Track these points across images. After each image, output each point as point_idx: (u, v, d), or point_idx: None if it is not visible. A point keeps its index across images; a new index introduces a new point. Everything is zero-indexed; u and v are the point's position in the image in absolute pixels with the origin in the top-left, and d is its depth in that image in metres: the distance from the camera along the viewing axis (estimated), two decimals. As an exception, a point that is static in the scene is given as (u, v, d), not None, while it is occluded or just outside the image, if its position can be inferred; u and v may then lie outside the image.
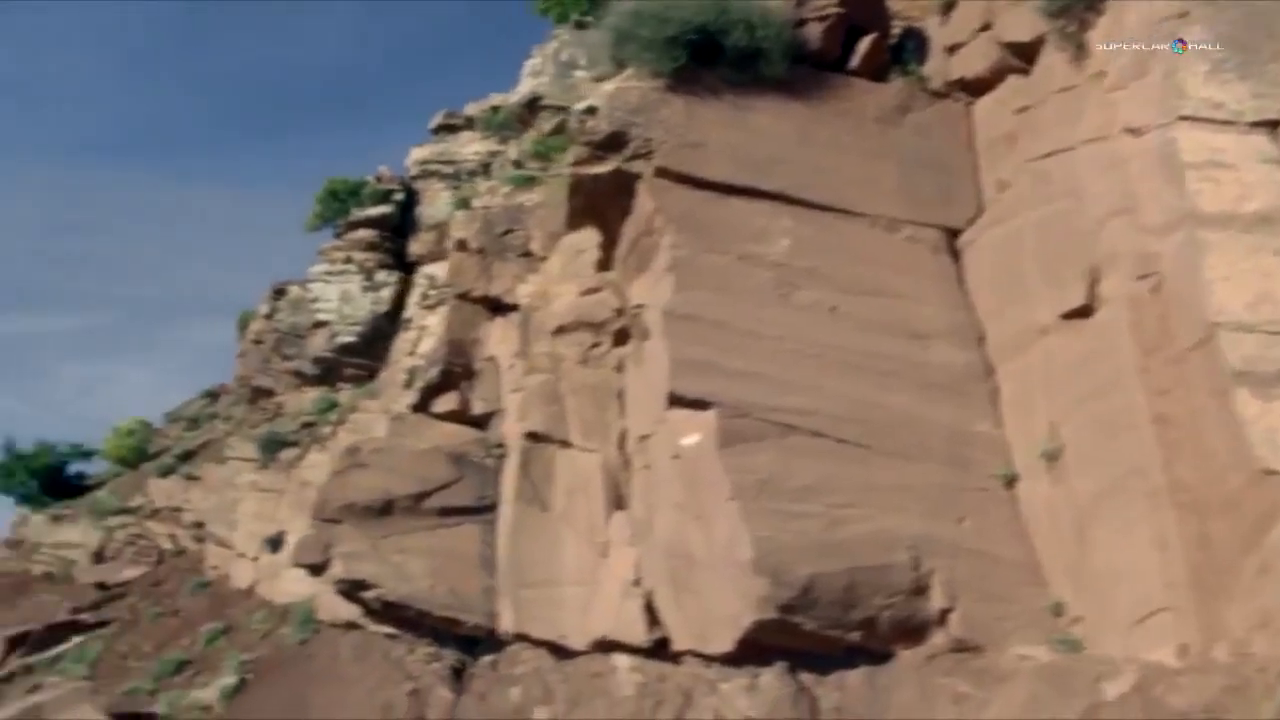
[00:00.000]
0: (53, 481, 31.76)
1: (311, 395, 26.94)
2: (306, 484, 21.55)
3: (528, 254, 12.85)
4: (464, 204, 15.13)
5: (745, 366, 8.84)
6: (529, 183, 13.83)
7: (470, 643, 13.12)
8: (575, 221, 11.44)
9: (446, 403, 13.26)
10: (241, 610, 21.86)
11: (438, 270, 16.86)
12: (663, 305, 9.15)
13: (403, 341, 16.27)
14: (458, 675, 13.16)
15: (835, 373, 8.85)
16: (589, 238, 11.39)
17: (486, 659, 12.86)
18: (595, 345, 10.91)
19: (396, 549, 12.58)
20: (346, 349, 26.79)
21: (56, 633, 24.35)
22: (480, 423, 13.20)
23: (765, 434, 8.58)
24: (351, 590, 12.62)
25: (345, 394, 25.52)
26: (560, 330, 11.25)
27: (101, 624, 24.46)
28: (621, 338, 10.61)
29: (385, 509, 12.70)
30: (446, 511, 12.75)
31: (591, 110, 9.93)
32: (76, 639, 23.87)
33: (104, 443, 32.15)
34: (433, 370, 13.14)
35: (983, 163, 9.78)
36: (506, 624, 11.64)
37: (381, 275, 27.19)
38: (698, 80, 9.98)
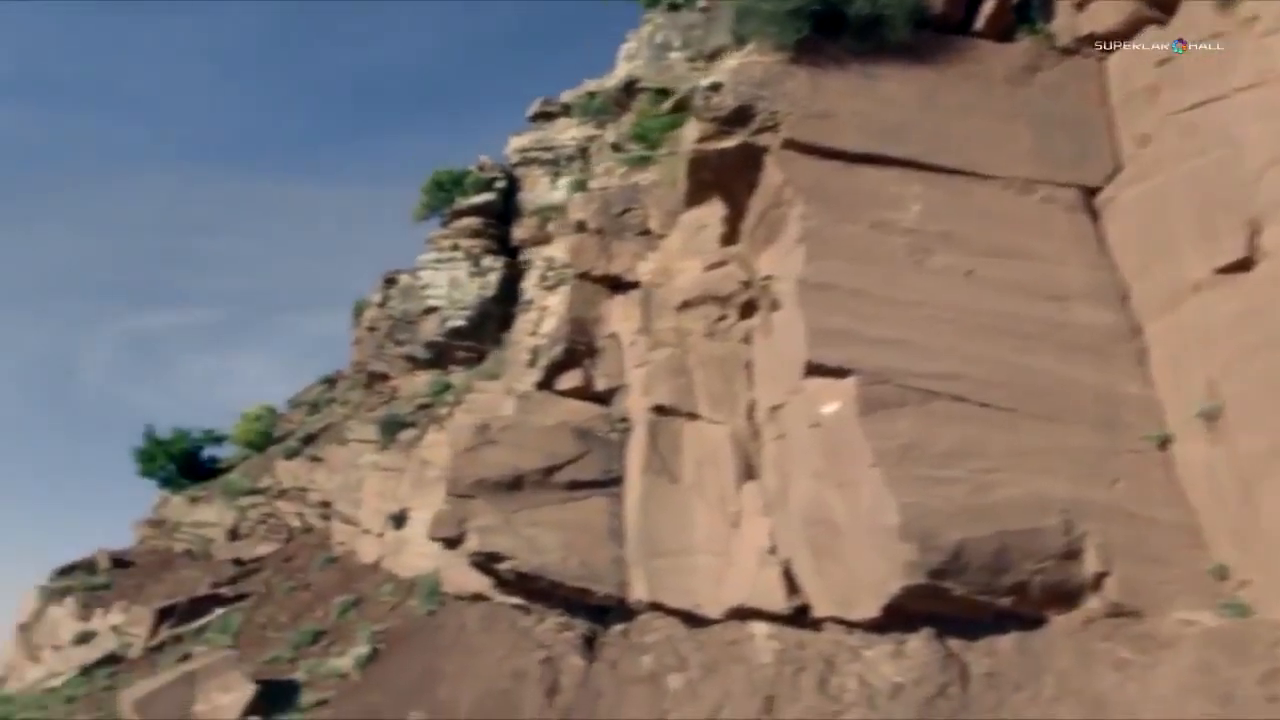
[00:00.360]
0: (189, 465, 32.68)
1: (425, 378, 27.23)
2: (426, 463, 21.78)
3: (646, 232, 12.66)
4: (581, 186, 15.00)
5: (883, 333, 8.53)
6: (644, 163, 13.62)
7: (600, 612, 13.05)
8: (695, 198, 11.21)
9: (570, 380, 13.16)
10: (369, 584, 22.21)
11: (556, 251, 16.78)
12: (796, 275, 8.88)
13: (523, 322, 16.23)
14: (589, 644, 13.10)
15: (975, 337, 8.49)
16: (710, 213, 11.14)
17: (617, 628, 12.77)
18: (721, 318, 10.68)
19: (528, 522, 12.53)
20: (456, 333, 27.02)
21: (200, 605, 25.07)
22: (604, 398, 13.07)
23: (906, 400, 8.27)
24: (486, 563, 12.62)
25: (457, 376, 25.74)
26: (685, 305, 11.04)
27: (240, 597, 25.11)
28: (748, 310, 10.36)
29: (516, 484, 12.66)
30: (574, 485, 12.66)
31: (716, 86, 9.67)
32: (218, 611, 24.54)
33: (233, 428, 33.00)
34: (556, 349, 13.05)
35: (1119, 118, 9.27)
36: (639, 593, 11.50)
37: (487, 261, 27.35)
38: (821, 51, 9.66)
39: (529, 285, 19.33)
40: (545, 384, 13.28)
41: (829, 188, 9.18)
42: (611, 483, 12.68)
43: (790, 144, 9.34)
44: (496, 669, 15.95)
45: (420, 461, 22.04)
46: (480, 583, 17.14)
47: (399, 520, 21.85)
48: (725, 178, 10.06)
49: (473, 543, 12.60)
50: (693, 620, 11.18)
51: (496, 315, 26.58)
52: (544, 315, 14.25)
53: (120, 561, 30.26)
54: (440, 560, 19.40)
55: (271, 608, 23.87)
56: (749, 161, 9.66)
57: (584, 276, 12.97)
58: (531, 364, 14.28)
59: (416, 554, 21.22)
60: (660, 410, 11.34)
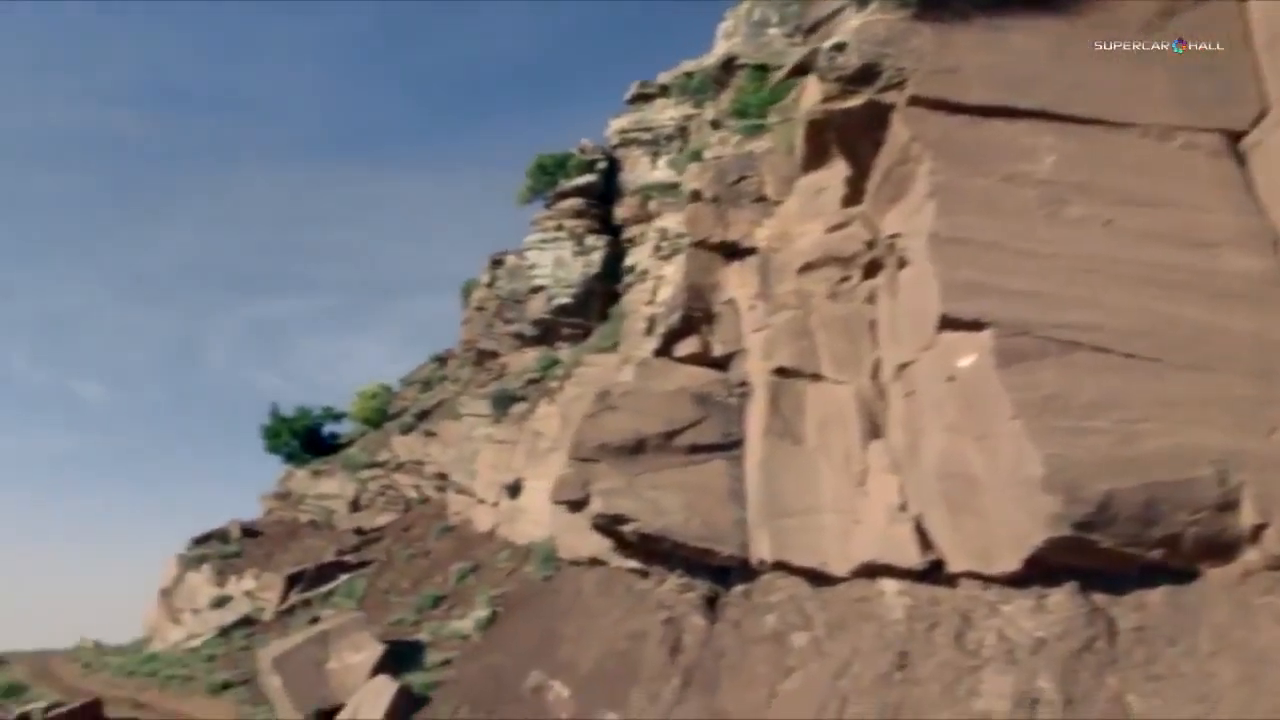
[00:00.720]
0: (311, 441, 33.57)
1: (532, 355, 27.40)
2: (539, 434, 21.90)
3: (762, 199, 12.41)
4: (696, 156, 14.80)
5: (1019, 285, 8.17)
6: (758, 131, 13.35)
7: (722, 574, 12.90)
8: (814, 161, 10.93)
9: (688, 346, 13.01)
10: (486, 551, 22.47)
11: (669, 223, 16.63)
12: (926, 230, 8.56)
13: (638, 292, 16.15)
14: (710, 604, 12.97)
15: (1116, 286, 8.07)
16: (829, 176, 10.84)
17: (739, 588, 12.61)
18: (844, 279, 10.39)
19: (650, 485, 12.44)
20: (562, 310, 27.13)
21: (326, 572, 25.72)
22: (721, 364, 12.89)
23: (1046, 351, 7.91)
24: (610, 525, 12.56)
25: (564, 352, 25.83)
26: (806, 267, 10.78)
27: (363, 564, 25.67)
28: (872, 270, 10.06)
29: (637, 448, 12.58)
30: (695, 449, 12.53)
31: (839, 46, 9.36)
32: (343, 577, 25.13)
33: (351, 406, 33.76)
34: (673, 316, 12.90)
35: (1264, 60, 8.71)
36: (763, 553, 11.31)
37: (591, 240, 27.37)
38: (945, 6, 9.29)
39: (643, 257, 19.21)
40: (663, 351, 13.15)
41: (958, 142, 8.82)
42: (731, 446, 12.52)
43: (917, 100, 9.01)
44: (615, 631, 15.95)
45: (533, 433, 22.17)
46: (597, 547, 17.15)
47: (513, 490, 22.04)
48: (848, 138, 9.76)
49: (596, 505, 12.55)
50: (818, 579, 10.97)
51: (600, 292, 26.62)
52: (659, 284, 14.11)
53: (250, 531, 31.23)
54: (555, 527, 19.51)
55: (393, 574, 24.34)
56: (874, 120, 9.35)
57: (700, 245, 12.78)
58: (648, 332, 14.16)
59: (531, 522, 21.39)
60: (782, 373, 11.12)
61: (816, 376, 10.81)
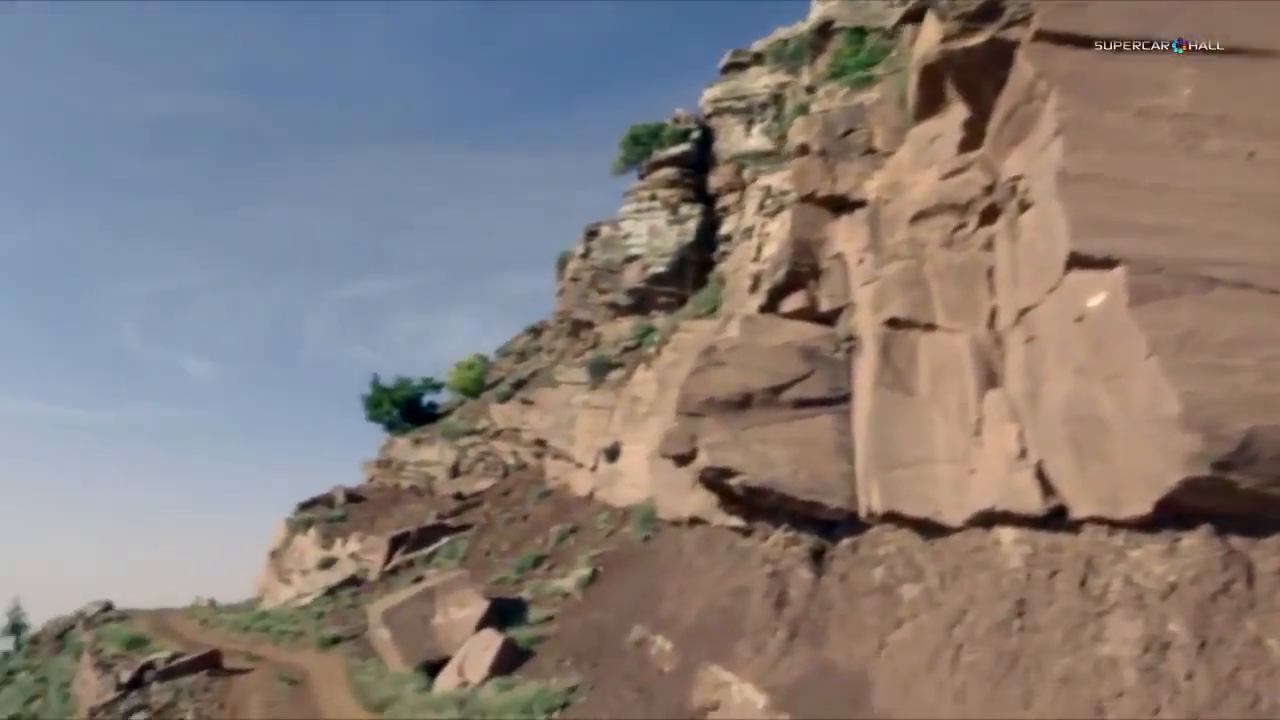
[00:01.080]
0: (411, 410, 34.29)
1: (627, 324, 27.50)
2: (636, 399, 21.97)
3: (871, 151, 12.19)
4: (803, 110, 14.60)
5: (1154, 221, 7.86)
6: (866, 83, 13.11)
7: (828, 527, 12.80)
8: (926, 109, 10.69)
9: (794, 302, 12.89)
10: (584, 514, 22.70)
11: (774, 181, 16.47)
12: (1054, 168, 8.27)
13: (743, 250, 16.01)
14: (817, 558, 12.86)
15: (1260, 221, 7.71)
16: (943, 123, 10.58)
17: (846, 542, 12.49)
18: (960, 227, 10.14)
19: (757, 439, 12.37)
20: (657, 279, 27.18)
21: (428, 534, 26.28)
22: (828, 319, 12.74)
23: (1182, 288, 7.59)
24: (717, 478, 12.53)
25: (659, 320, 25.86)
26: (919, 216, 10.55)
27: (463, 528, 26.17)
28: (990, 216, 9.80)
29: (744, 402, 12.52)
30: (802, 403, 12.42)
31: (960, -17, 9.08)
32: (445, 540, 25.64)
33: (448, 376, 34.34)
34: (779, 272, 12.77)
35: None
36: (873, 505, 11.16)
37: (685, 209, 27.34)
38: (1072, -62, 8.89)
39: (738, 225, 19.05)
40: (769, 307, 13.05)
41: (1087, 77, 8.51)
42: (838, 400, 12.38)
43: (1043, 35, 8.70)
44: (717, 587, 15.97)
45: (630, 399, 22.27)
46: (698, 506, 17.18)
47: (612, 454, 22.18)
48: (968, 79, 9.50)
49: (703, 459, 12.53)
50: (930, 530, 10.79)
51: (695, 261, 26.60)
52: (764, 242, 13.96)
53: (354, 497, 32.09)
54: (655, 488, 19.59)
55: (493, 536, 24.77)
56: (996, 59, 9.08)
57: (807, 199, 12.62)
58: (753, 290, 14.05)
59: (629, 485, 21.53)
60: (893, 324, 10.92)
61: (930, 327, 10.59)
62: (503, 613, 18.73)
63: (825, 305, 12.69)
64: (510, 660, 16.93)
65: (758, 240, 14.19)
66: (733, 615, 14.66)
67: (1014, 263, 9.41)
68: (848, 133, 12.38)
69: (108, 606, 35.59)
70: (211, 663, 23.10)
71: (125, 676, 24.52)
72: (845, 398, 12.32)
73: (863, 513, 11.80)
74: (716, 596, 15.80)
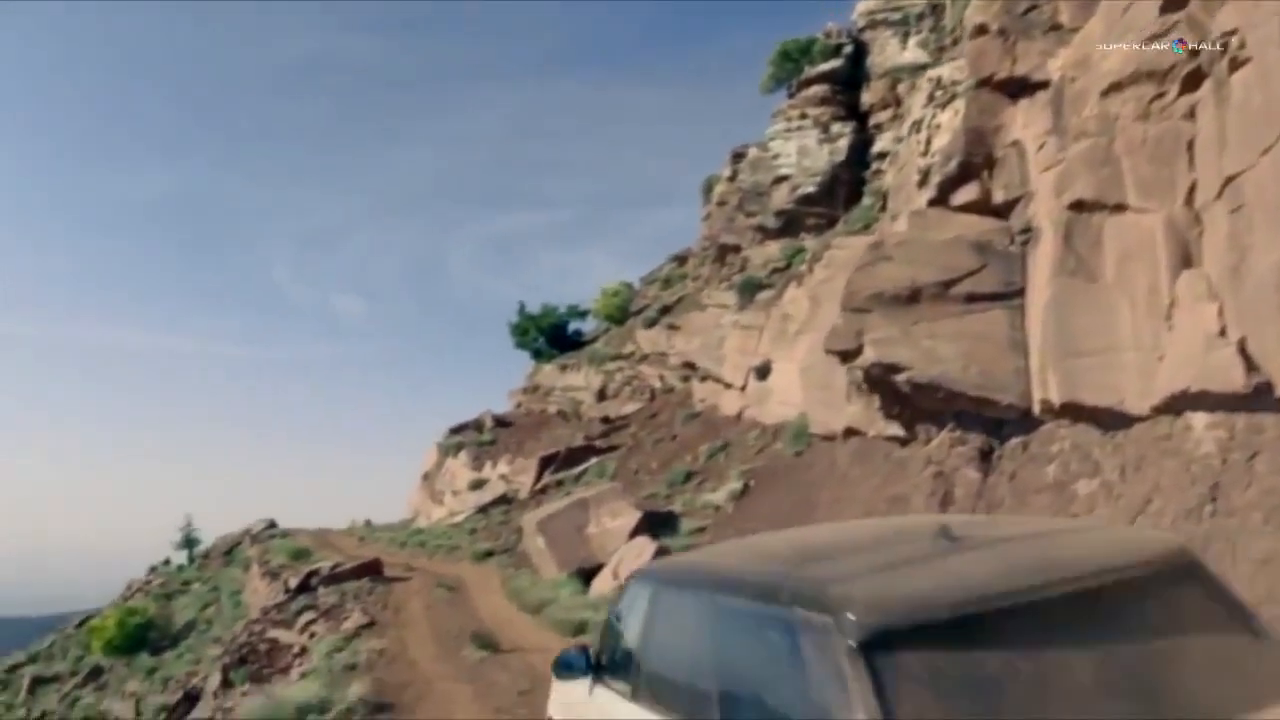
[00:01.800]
0: (556, 337, 35.04)
1: (775, 247, 27.38)
2: (788, 317, 21.95)
3: (1056, 27, 11.72)
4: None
5: (1385, 67, 7.38)
6: (1049, -42, 12.57)
7: (996, 427, 12.61)
8: (1120, -24, 10.17)
9: (966, 194, 12.62)
10: (733, 432, 22.91)
11: (945, 71, 16.06)
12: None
13: (911, 144, 15.72)
14: (984, 458, 12.71)
15: None
16: (1139, -11, 10.08)
17: (1015, 440, 12.30)
18: (1158, 96, 9.72)
19: (926, 334, 12.25)
20: (807, 199, 26.92)
21: (576, 455, 27.01)
22: (1002, 211, 12.44)
23: None
24: (883, 374, 12.49)
25: (809, 242, 25.63)
26: (1112, 89, 10.16)
27: (611, 449, 26.77)
28: (1193, 81, 9.35)
29: (912, 297, 12.41)
30: (973, 298, 12.22)
31: None
32: (594, 460, 26.30)
33: (594, 303, 34.95)
34: (951, 163, 12.51)
35: None
36: (1050, 396, 10.96)
37: (836, 127, 26.89)
38: None
39: (916, 106, 18.50)
40: (939, 200, 12.82)
41: (1311, -82, 7.99)
42: (1011, 295, 12.13)
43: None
44: (874, 496, 15.99)
45: (781, 317, 22.26)
46: (854, 417, 17.16)
47: (762, 372, 22.27)
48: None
49: (869, 355, 12.50)
50: (1111, 421, 10.53)
51: (846, 180, 26.20)
52: (934, 134, 13.67)
53: (502, 422, 33.19)
54: (807, 403, 19.63)
55: (641, 456, 25.29)
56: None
57: (984, 84, 12.26)
58: (922, 184, 13.81)
59: (779, 403, 21.61)
60: (1078, 207, 10.60)
61: (1119, 207, 10.23)
62: (654, 524, 19.15)
63: (999, 196, 12.38)
64: (664, 566, 17.34)
65: (926, 133, 13.88)
66: (892, 522, 14.67)
67: (1221, 128, 8.99)
68: (1030, 9, 11.93)
69: (271, 524, 38.00)
70: (373, 570, 24.43)
71: (293, 583, 26.24)
72: (1019, 292, 12.05)
73: (1036, 408, 11.59)
74: (873, 504, 15.81)
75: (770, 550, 4.84)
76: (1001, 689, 3.23)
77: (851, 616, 3.28)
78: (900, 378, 12.37)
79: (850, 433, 17.62)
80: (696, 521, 19.17)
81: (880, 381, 12.83)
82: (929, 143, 13.75)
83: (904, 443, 15.50)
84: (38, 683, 35.45)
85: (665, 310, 30.48)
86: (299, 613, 22.91)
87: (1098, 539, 4.19)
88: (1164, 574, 3.74)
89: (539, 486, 26.58)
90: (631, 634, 5.02)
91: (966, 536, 3.92)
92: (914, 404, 13.02)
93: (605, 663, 5.36)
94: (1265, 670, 3.49)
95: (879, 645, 3.21)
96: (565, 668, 5.81)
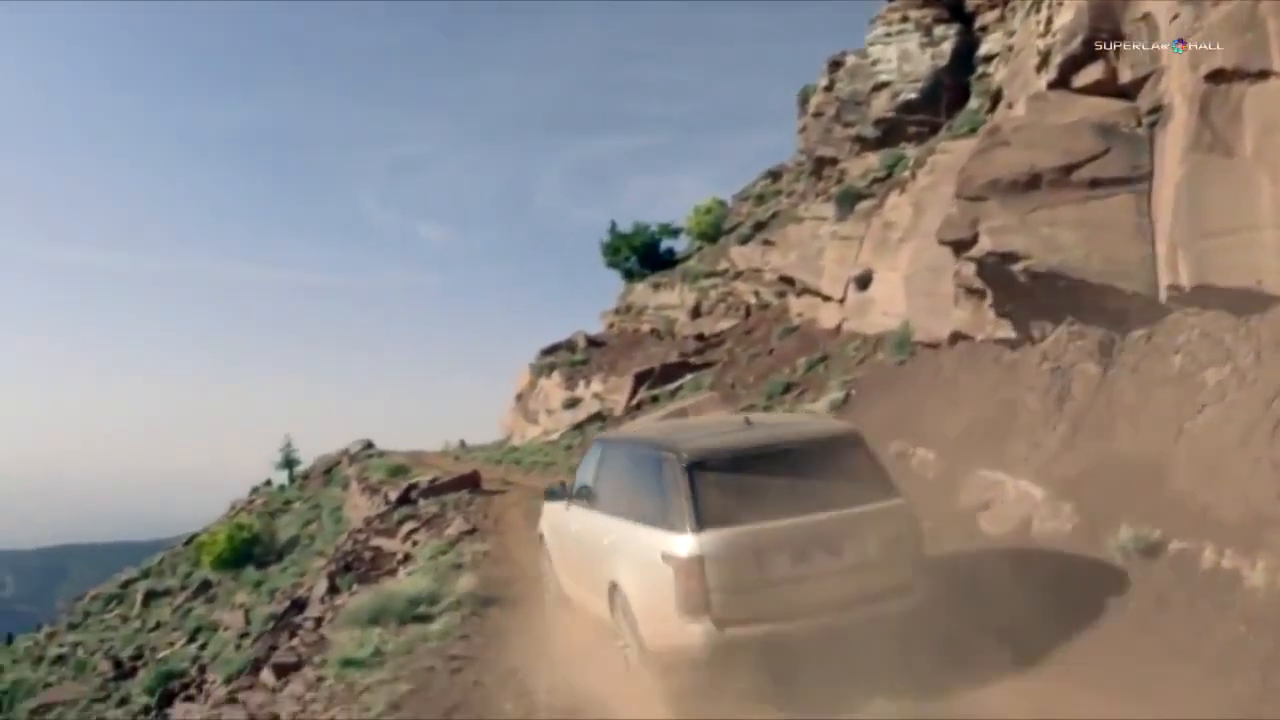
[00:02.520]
0: (648, 256, 35.11)
1: (874, 157, 26.91)
2: (890, 225, 21.67)
3: (1193, -112, 11.15)
4: None
5: None
6: None
7: (1116, 320, 12.35)
8: None
9: (1089, 75, 12.25)
10: (833, 345, 22.83)
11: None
12: None
13: (1029, 25, 15.23)
14: (1103, 351, 12.48)
15: None
16: None
17: (1138, 332, 12.06)
18: (1308, -49, 9.25)
19: (1045, 222, 12.02)
20: (907, 107, 26.35)
21: (671, 371, 27.26)
22: (1128, 92, 12.05)
23: None
24: (999, 264, 12.32)
25: (912, 150, 25.10)
26: (1256, -53, 9.67)
27: (706, 365, 26.92)
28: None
29: (1031, 183, 12.15)
30: (1096, 183, 11.92)
31: None
32: (689, 376, 26.50)
33: (686, 221, 34.89)
34: (1074, 42, 12.13)
35: None
36: (1182, 280, 10.71)
37: (939, 30, 26.15)
38: None
39: (999, 44, 18.00)
40: (1059, 83, 12.46)
41: None
42: (1138, 180, 11.80)
43: None
44: (983, 400, 15.84)
45: (882, 225, 21.98)
46: (962, 321, 16.97)
47: (862, 282, 22.08)
48: None
49: (984, 244, 12.32)
50: (1247, 304, 10.24)
51: (950, 85, 25.53)
52: (1055, 12, 13.21)
53: (594, 342, 33.57)
54: (911, 310, 19.44)
55: (738, 371, 25.41)
56: None
57: (1113, -47, 11.78)
58: (1041, 67, 13.41)
59: (881, 313, 21.42)
60: (1216, 77, 10.21)
61: (1263, 74, 9.83)
62: (755, 432, 19.26)
63: (1126, 76, 11.97)
64: (766, 471, 17.48)
65: (1046, 12, 13.41)
66: (1001, 424, 14.54)
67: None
68: (1164, -127, 11.39)
69: (369, 445, 39.23)
70: (472, 483, 25.16)
71: (393, 496, 27.17)
72: (1146, 175, 11.72)
73: (1163, 295, 11.32)
74: (982, 409, 15.67)
75: (659, 428, 10.66)
76: (745, 486, 7.65)
77: (684, 455, 7.79)
78: (1017, 268, 12.18)
79: (957, 338, 17.42)
80: (798, 431, 19.23)
81: (995, 274, 12.64)
82: (1049, 22, 13.29)
83: (1014, 345, 15.27)
84: (151, 596, 37.44)
85: (759, 226, 30.29)
86: (400, 522, 23.77)
87: (811, 423, 10.17)
88: (838, 440, 8.45)
89: (634, 403, 26.91)
90: (589, 472, 10.01)
91: (755, 423, 8.89)
92: (1030, 298, 12.81)
93: (574, 492, 10.28)
94: (868, 491, 7.90)
95: (693, 467, 7.67)
96: (551, 495, 11.22)
